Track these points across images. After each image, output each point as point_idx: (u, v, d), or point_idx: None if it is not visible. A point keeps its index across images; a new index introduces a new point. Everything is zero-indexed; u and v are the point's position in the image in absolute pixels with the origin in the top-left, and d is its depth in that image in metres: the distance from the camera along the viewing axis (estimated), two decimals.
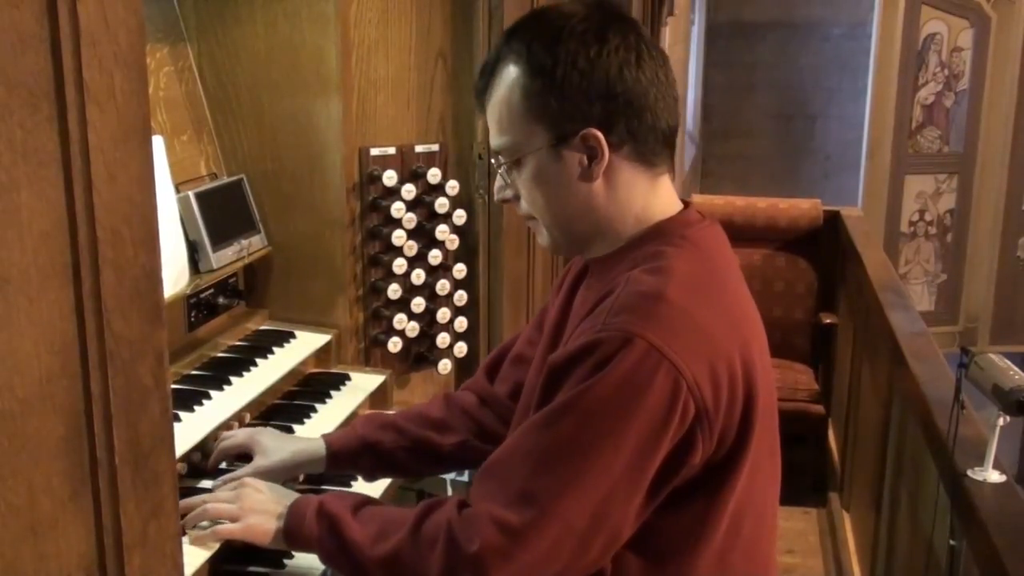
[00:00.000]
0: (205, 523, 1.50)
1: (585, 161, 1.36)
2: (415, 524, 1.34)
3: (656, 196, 1.41)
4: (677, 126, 1.41)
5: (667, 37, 5.13)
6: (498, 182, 1.47)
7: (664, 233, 1.39)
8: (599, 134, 1.34)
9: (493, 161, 1.47)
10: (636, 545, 1.33)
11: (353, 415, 2.08)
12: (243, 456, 1.71)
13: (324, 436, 1.72)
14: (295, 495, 1.50)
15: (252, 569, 1.62)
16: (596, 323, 1.30)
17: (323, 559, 1.43)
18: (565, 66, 1.32)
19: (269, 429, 1.79)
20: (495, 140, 1.42)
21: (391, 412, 1.79)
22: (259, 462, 1.65)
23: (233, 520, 1.48)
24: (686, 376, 1.24)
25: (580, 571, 1.30)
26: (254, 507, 1.48)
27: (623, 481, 1.25)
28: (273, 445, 1.68)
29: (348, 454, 1.68)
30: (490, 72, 1.40)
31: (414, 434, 1.69)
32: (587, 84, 1.32)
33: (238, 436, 1.73)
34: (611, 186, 1.37)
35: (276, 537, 1.46)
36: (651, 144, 1.38)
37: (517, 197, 1.44)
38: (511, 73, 1.36)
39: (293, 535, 1.44)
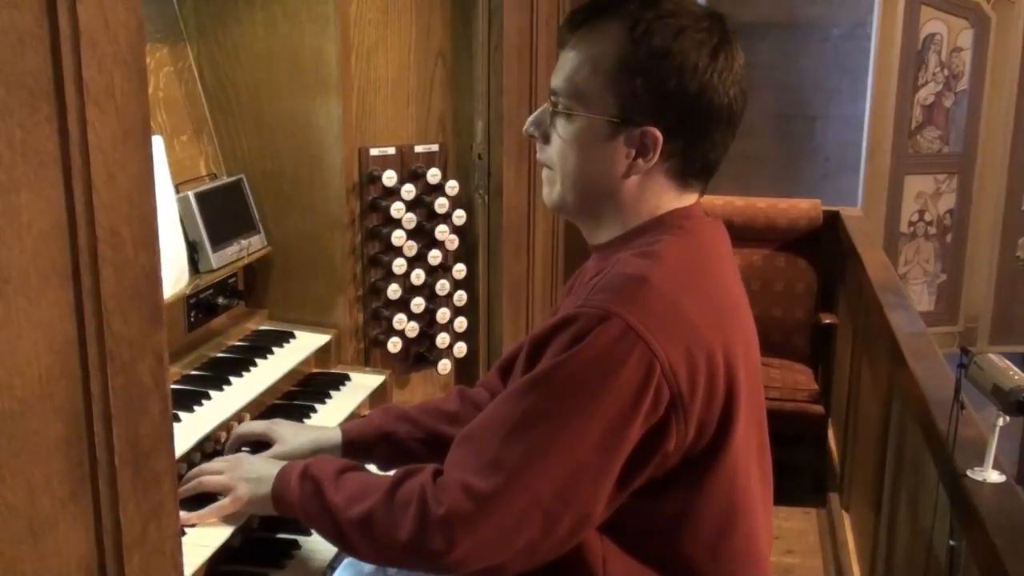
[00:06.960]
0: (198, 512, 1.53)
1: (632, 155, 1.36)
2: (391, 488, 1.36)
3: (677, 205, 1.42)
4: (720, 162, 1.42)
5: None
6: (536, 116, 1.44)
7: (664, 223, 1.39)
8: (660, 137, 1.34)
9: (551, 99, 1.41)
10: (622, 535, 1.34)
11: (353, 415, 2.08)
12: (259, 444, 1.73)
13: (341, 425, 1.75)
14: (283, 463, 1.52)
15: (251, 569, 1.62)
16: (579, 299, 1.31)
17: (305, 521, 1.46)
18: (670, 62, 1.32)
19: (286, 420, 1.81)
20: (561, 80, 1.38)
21: (408, 405, 1.81)
22: (277, 449, 1.68)
23: (225, 491, 1.52)
24: (661, 359, 1.24)
25: (549, 550, 1.30)
26: (245, 475, 1.52)
27: (592, 458, 1.25)
28: (291, 433, 1.71)
29: (364, 443, 1.71)
30: (597, 15, 1.37)
31: (428, 426, 1.71)
32: (677, 89, 1.32)
33: (256, 425, 1.76)
34: (640, 188, 1.38)
35: (264, 502, 1.49)
36: (695, 169, 1.39)
37: (546, 141, 1.42)
38: (618, 34, 1.34)
39: (279, 498, 1.47)
